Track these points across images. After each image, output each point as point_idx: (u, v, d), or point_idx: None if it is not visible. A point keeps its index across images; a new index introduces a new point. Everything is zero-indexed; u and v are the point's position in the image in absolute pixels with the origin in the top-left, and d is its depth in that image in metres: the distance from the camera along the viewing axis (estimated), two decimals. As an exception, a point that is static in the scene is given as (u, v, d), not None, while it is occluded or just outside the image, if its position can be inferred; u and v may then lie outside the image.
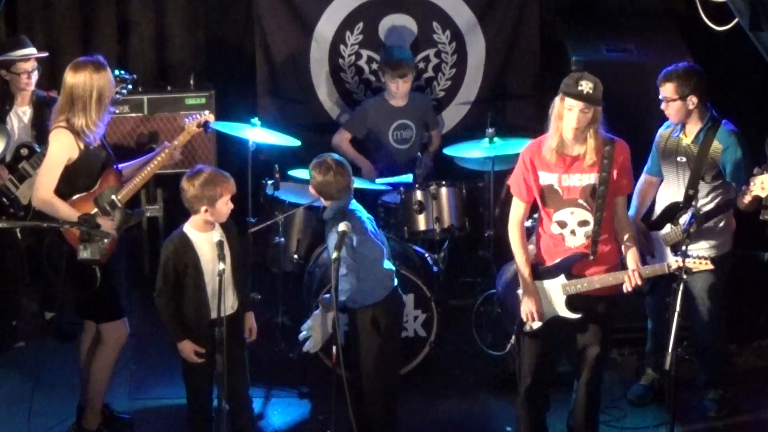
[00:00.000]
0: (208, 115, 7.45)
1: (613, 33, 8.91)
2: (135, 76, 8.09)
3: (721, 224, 7.27)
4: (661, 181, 7.40)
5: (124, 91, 7.98)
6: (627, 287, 6.62)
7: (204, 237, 6.68)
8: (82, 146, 6.94)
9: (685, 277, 6.44)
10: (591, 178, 6.64)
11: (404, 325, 7.80)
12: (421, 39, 9.28)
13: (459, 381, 7.98)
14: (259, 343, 8.09)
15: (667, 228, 7.24)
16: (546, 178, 6.68)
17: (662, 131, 7.39)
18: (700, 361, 7.67)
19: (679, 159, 7.25)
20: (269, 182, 8.23)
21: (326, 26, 9.23)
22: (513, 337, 7.07)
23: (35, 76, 8.04)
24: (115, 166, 7.16)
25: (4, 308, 8.34)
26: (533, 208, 6.85)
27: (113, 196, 7.01)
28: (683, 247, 6.58)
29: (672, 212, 7.24)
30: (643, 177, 7.45)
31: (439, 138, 9.06)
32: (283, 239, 8.12)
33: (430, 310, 7.82)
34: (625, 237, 6.72)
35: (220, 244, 6.48)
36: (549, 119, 6.63)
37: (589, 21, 9.21)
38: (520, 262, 6.73)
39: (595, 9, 9.43)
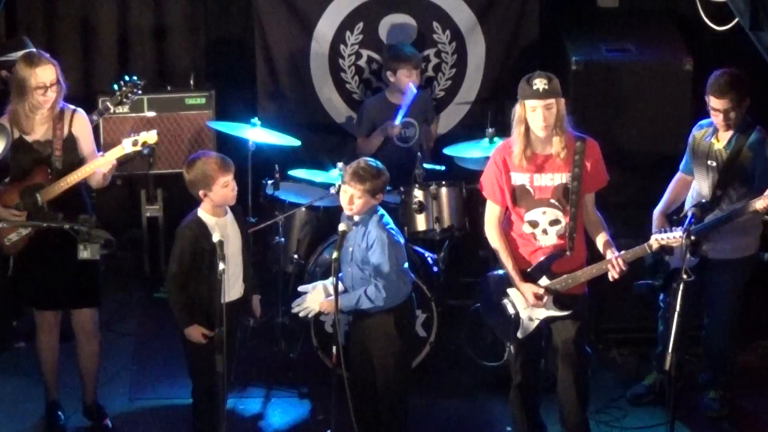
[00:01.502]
0: (149, 136, 7.20)
1: (613, 33, 8.90)
2: (143, 82, 8.08)
3: (747, 227, 7.23)
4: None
5: (133, 96, 7.96)
6: (613, 275, 6.65)
7: (217, 221, 6.69)
8: (16, 136, 7.04)
9: (685, 277, 6.42)
10: (563, 178, 6.70)
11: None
12: (421, 39, 9.27)
13: (459, 381, 7.98)
14: (259, 343, 8.13)
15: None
16: (518, 179, 6.73)
17: (695, 132, 7.38)
18: (708, 360, 7.67)
19: (709, 163, 7.24)
20: (269, 182, 8.24)
21: (326, 26, 9.23)
22: (509, 344, 7.03)
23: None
24: (49, 168, 7.11)
25: (4, 308, 8.34)
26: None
27: (37, 194, 7.03)
28: (683, 248, 6.57)
29: (698, 212, 7.20)
30: (677, 174, 7.46)
31: (436, 130, 9.07)
32: (283, 239, 8.12)
33: (430, 310, 7.82)
34: (598, 230, 6.78)
35: (220, 244, 6.48)
36: (511, 126, 6.69)
37: (589, 21, 9.21)
38: (505, 259, 6.77)
39: (595, 9, 9.43)
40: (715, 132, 7.26)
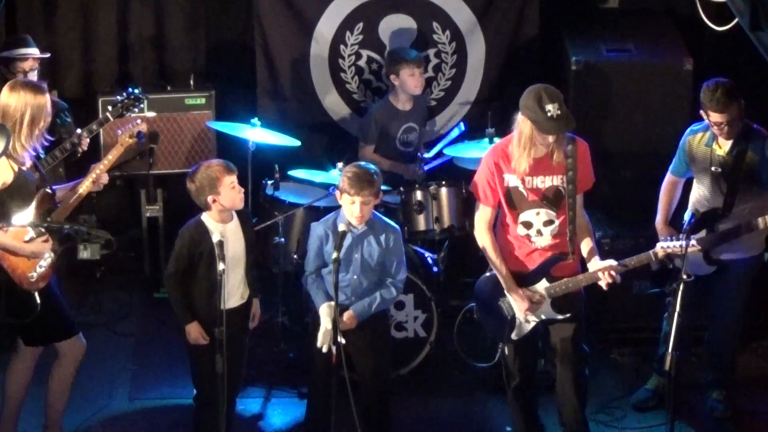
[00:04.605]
0: (140, 124, 7.30)
1: (613, 33, 8.91)
2: (146, 96, 8.06)
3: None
4: (685, 180, 7.34)
5: (136, 109, 7.93)
6: (604, 284, 6.63)
7: (222, 227, 6.68)
8: (15, 169, 6.59)
9: (685, 277, 6.41)
10: (555, 180, 6.68)
11: (404, 325, 7.84)
12: (421, 39, 9.27)
13: (459, 381, 7.98)
14: (259, 343, 8.13)
15: (702, 233, 7.08)
16: (512, 180, 6.71)
17: (689, 137, 7.24)
18: (711, 361, 7.65)
19: (713, 169, 7.14)
20: (269, 182, 8.24)
21: (326, 26, 9.23)
22: (502, 345, 7.01)
23: (33, 76, 7.99)
24: (50, 188, 6.80)
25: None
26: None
27: (48, 218, 6.63)
28: (683, 248, 6.55)
29: (710, 219, 7.13)
30: (667, 177, 7.38)
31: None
32: (283, 239, 8.12)
33: (430, 310, 7.82)
34: (584, 235, 6.74)
35: (220, 245, 6.48)
36: (516, 132, 6.61)
37: (589, 21, 9.22)
38: (498, 263, 6.76)
39: (595, 9, 9.43)
40: (714, 137, 7.14)
